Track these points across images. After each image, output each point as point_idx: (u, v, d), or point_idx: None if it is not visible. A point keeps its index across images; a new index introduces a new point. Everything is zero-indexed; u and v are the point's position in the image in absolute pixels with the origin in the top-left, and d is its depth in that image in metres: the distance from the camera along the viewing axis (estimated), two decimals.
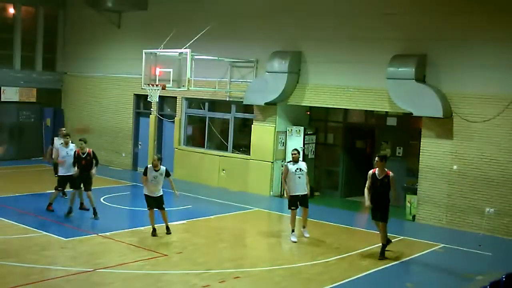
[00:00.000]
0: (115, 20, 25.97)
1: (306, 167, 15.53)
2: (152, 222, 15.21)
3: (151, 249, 13.96)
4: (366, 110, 20.43)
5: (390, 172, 13.98)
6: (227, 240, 15.54)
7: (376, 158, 14.17)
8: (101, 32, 26.62)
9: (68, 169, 17.09)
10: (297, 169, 15.35)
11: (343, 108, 20.64)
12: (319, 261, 13.56)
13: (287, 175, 15.41)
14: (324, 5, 19.99)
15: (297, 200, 15.42)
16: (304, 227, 15.74)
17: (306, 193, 15.45)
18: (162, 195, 15.31)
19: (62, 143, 17.63)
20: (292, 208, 15.39)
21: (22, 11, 27.60)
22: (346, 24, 19.45)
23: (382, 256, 14.01)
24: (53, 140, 19.36)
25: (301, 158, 16.00)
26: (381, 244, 14.22)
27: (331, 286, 11.94)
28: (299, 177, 15.34)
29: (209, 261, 13.27)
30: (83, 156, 16.76)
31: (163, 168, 15.29)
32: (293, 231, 15.45)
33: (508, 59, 16.58)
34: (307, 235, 15.58)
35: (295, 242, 15.20)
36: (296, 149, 15.97)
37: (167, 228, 15.36)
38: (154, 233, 15.10)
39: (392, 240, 14.48)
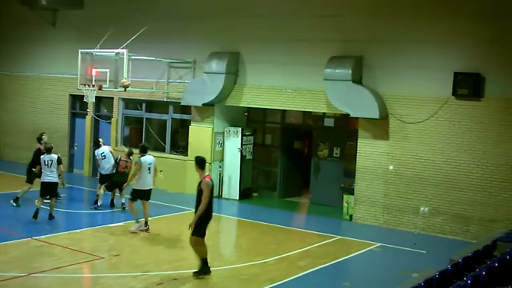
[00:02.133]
0: (50, 18, 25.45)
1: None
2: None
3: (88, 251, 13.74)
4: (304, 111, 20.59)
5: (207, 178, 12.42)
6: (165, 242, 15.40)
7: None
8: (36, 31, 26.02)
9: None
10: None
11: (281, 109, 20.75)
12: (257, 262, 13.58)
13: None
14: (262, 6, 20.05)
15: None
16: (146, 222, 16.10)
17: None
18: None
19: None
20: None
21: None
22: (284, 25, 19.55)
23: (198, 273, 12.27)
24: None
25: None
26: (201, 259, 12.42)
27: (270, 286, 11.97)
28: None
29: (147, 263, 13.12)
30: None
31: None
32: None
33: (441, 61, 16.97)
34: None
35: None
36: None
37: None
38: None
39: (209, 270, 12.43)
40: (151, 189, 16.19)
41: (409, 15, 17.39)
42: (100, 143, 18.99)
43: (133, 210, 16.00)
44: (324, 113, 20.19)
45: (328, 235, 16.44)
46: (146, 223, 15.92)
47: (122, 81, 18.86)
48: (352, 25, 18.36)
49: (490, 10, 16.35)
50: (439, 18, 16.99)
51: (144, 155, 16.05)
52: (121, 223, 16.65)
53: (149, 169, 16.01)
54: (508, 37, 16.10)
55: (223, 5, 20.83)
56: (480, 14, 16.49)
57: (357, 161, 18.30)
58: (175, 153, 22.42)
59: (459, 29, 16.74)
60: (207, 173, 12.80)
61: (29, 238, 14.61)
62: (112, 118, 23.75)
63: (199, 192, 12.37)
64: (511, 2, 16.15)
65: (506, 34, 16.14)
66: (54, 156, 16.28)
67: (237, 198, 20.74)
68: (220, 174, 21.06)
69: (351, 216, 18.39)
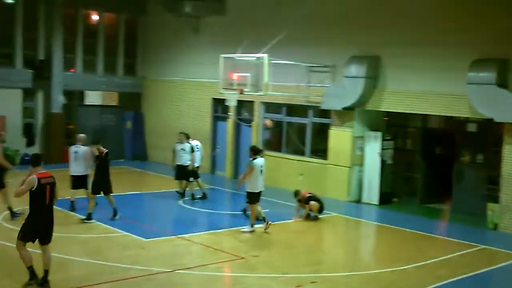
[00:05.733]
0: (193, 25, 26.38)
1: None
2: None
3: (229, 251, 14.12)
4: (446, 116, 20.05)
5: (36, 176, 10.80)
6: (304, 244, 15.52)
7: None
8: (180, 37, 27.11)
9: None
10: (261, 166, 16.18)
11: (422, 114, 20.29)
12: (396, 268, 13.38)
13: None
14: (402, 10, 19.72)
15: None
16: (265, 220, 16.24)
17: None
18: None
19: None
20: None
21: (105, 18, 28.48)
22: (425, 28, 19.02)
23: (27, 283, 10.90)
24: None
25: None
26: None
27: None
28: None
29: (286, 266, 13.28)
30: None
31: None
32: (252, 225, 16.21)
33: None
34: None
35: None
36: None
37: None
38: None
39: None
40: (261, 191, 16.33)
41: None
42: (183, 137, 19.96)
43: (253, 214, 16.22)
44: (467, 117, 19.58)
45: (470, 243, 15.84)
46: (264, 219, 16.22)
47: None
48: (495, 26, 17.65)
49: None
50: None
51: (256, 158, 16.17)
52: (261, 225, 16.83)
53: (261, 171, 16.14)
54: None
55: (363, 9, 20.69)
56: None
57: (503, 168, 17.60)
58: (315, 157, 22.50)
59: None
60: (44, 171, 11.04)
61: (174, 236, 15.24)
62: (252, 122, 24.22)
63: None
64: None
65: None
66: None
67: (377, 203, 20.53)
68: (360, 178, 20.94)
69: (495, 225, 17.68)
